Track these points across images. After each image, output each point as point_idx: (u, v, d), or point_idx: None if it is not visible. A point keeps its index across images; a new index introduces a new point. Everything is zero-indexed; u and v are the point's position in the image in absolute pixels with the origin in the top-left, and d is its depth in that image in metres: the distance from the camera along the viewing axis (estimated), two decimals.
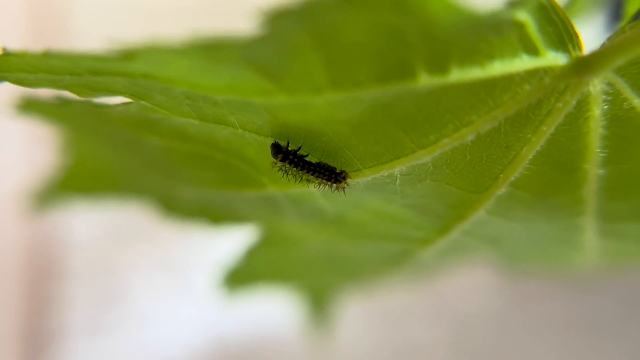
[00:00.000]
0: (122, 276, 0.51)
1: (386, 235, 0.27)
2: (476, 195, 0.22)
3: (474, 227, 0.24)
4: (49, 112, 0.24)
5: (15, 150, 0.51)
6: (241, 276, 0.34)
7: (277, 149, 0.20)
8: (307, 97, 0.17)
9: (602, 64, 0.17)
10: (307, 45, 0.15)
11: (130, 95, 0.19)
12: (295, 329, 0.46)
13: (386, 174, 0.20)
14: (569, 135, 0.19)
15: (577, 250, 0.28)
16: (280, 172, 0.21)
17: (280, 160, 0.20)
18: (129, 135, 0.24)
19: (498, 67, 0.17)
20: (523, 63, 0.17)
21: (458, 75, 0.17)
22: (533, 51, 0.17)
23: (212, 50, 0.15)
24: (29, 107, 0.23)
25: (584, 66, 0.17)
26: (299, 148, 0.20)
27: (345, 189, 0.21)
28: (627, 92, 0.18)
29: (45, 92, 0.20)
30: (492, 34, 0.16)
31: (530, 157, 0.20)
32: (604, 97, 0.18)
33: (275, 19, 0.14)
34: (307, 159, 0.20)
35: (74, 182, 0.31)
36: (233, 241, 0.33)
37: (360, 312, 0.48)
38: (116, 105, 0.20)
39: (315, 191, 0.23)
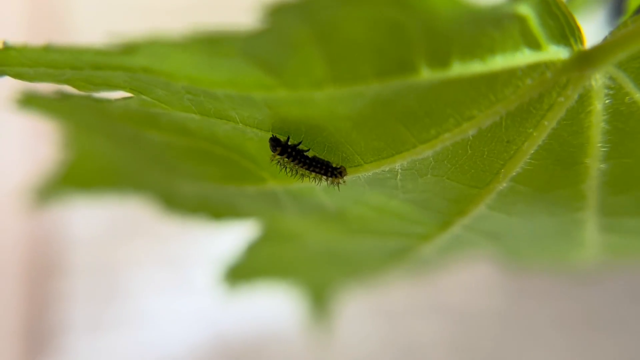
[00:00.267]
0: (122, 273, 0.51)
1: (387, 230, 0.27)
2: (477, 190, 0.22)
3: (475, 222, 0.24)
4: (50, 107, 0.24)
5: (16, 146, 0.51)
6: (242, 272, 0.34)
7: (275, 143, 0.20)
8: (307, 92, 0.17)
9: (604, 58, 0.17)
10: (307, 39, 0.15)
11: (130, 90, 0.19)
12: (296, 325, 0.46)
13: (387, 169, 0.20)
14: (571, 130, 0.19)
15: (578, 245, 0.28)
16: (278, 165, 0.21)
17: (278, 154, 0.20)
18: (129, 130, 0.24)
19: (499, 62, 0.17)
20: (524, 57, 0.17)
21: (459, 69, 0.16)
22: (535, 45, 0.17)
23: (212, 45, 0.15)
24: (29, 102, 0.23)
25: (586, 60, 0.17)
26: (299, 143, 0.20)
27: (346, 184, 0.21)
28: (629, 86, 0.18)
29: (45, 87, 0.20)
30: (493, 28, 0.16)
31: (532, 151, 0.20)
32: (606, 91, 0.18)
33: (276, 13, 0.14)
34: (306, 153, 0.20)
35: (75, 177, 0.31)
36: (233, 237, 0.33)
37: (360, 309, 0.49)
38: (116, 100, 0.20)
39: (315, 186, 0.23)
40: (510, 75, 0.17)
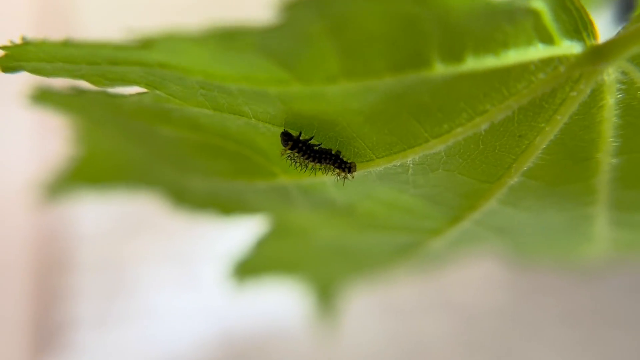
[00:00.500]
0: (130, 268, 0.51)
1: (397, 225, 0.27)
2: (488, 185, 0.22)
3: (485, 217, 0.24)
4: (62, 102, 0.24)
5: (25, 141, 0.52)
6: (250, 267, 0.34)
7: (287, 137, 0.20)
8: (321, 86, 0.17)
9: (617, 53, 0.17)
10: (322, 33, 0.15)
11: (145, 85, 0.19)
12: (302, 321, 0.46)
13: (399, 163, 0.20)
14: (583, 124, 0.19)
15: (588, 240, 0.28)
16: (289, 160, 0.21)
17: (289, 149, 0.20)
18: (141, 125, 0.24)
19: (512, 56, 0.17)
20: (538, 52, 0.17)
21: (472, 64, 0.17)
22: (548, 40, 0.17)
23: (228, 39, 0.15)
24: (42, 97, 0.23)
25: (599, 55, 0.17)
26: (311, 138, 0.20)
27: (357, 179, 0.21)
28: None
29: (58, 82, 0.20)
30: (506, 22, 0.16)
31: (544, 146, 0.20)
32: (618, 85, 0.18)
33: (291, 8, 0.14)
34: (317, 148, 0.21)
35: (85, 172, 0.31)
36: (241, 233, 0.33)
37: (367, 306, 0.49)
38: (130, 96, 0.20)
39: (326, 181, 0.23)
40: (523, 70, 0.17)
